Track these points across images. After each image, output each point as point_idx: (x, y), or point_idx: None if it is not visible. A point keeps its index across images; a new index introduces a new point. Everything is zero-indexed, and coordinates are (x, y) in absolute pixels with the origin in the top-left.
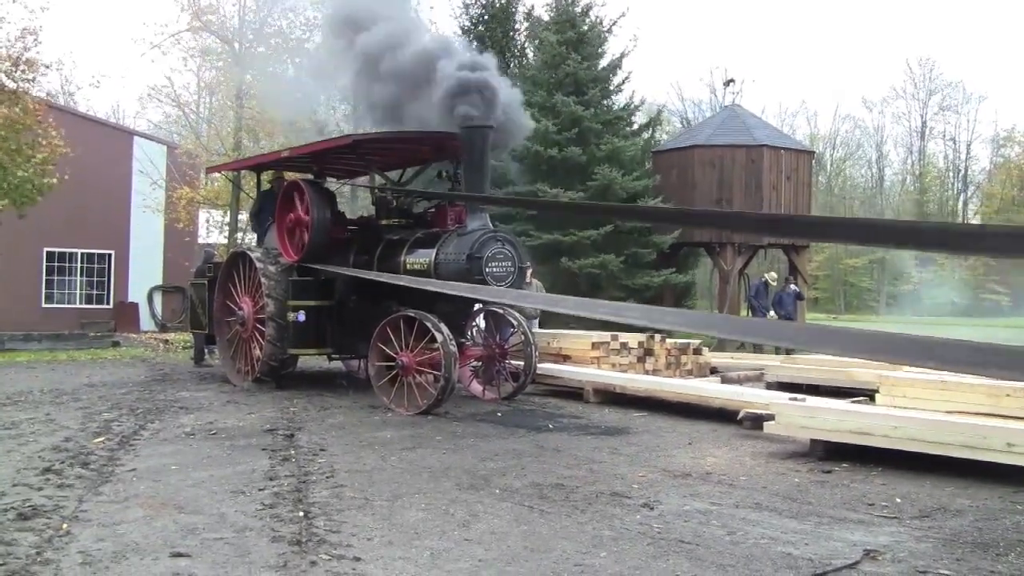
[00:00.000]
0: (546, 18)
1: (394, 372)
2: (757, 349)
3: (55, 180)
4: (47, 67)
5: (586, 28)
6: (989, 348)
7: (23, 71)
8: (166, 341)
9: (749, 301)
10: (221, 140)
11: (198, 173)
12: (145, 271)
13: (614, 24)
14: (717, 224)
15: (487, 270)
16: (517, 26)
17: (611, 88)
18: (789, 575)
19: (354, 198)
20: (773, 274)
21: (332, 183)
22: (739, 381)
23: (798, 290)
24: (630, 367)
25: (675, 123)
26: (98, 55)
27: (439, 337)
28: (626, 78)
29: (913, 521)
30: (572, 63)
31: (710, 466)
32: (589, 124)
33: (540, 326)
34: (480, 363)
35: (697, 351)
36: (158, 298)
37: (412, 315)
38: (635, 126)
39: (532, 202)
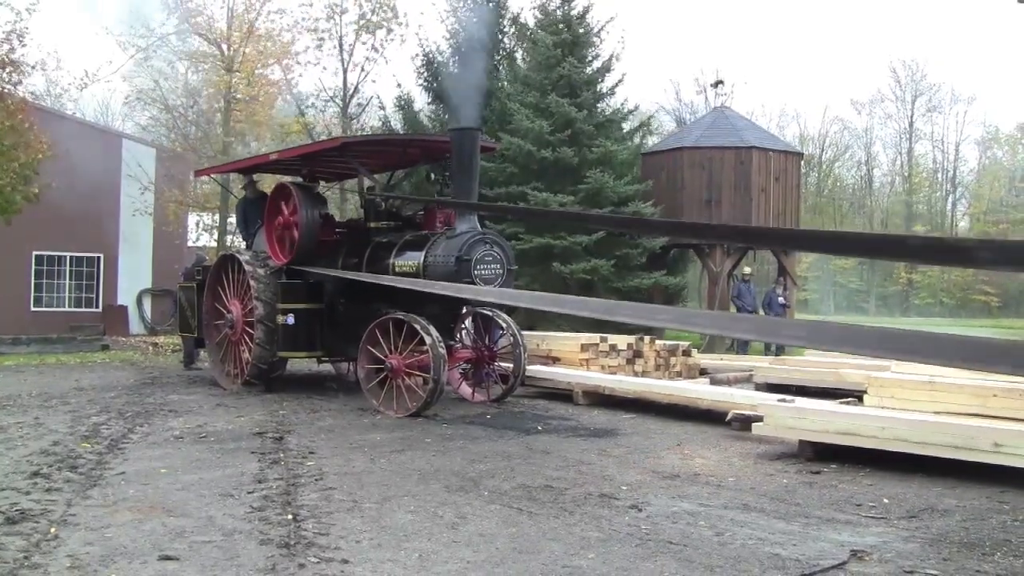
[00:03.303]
0: (532, 21)
1: (383, 375)
2: (740, 349)
3: (37, 189)
4: (32, 68)
5: (582, 31)
6: (979, 342)
7: (9, 73)
8: (155, 344)
9: (733, 302)
10: (210, 143)
11: (187, 176)
12: (134, 274)
13: (602, 29)
14: (703, 235)
15: (475, 272)
16: (505, 28)
17: (604, 91)
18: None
19: (343, 201)
20: (747, 269)
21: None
22: (728, 382)
23: (785, 303)
24: (619, 369)
25: (670, 124)
26: (84, 57)
27: (428, 339)
28: (619, 81)
29: (900, 521)
30: (567, 65)
31: (699, 467)
32: (582, 126)
33: (530, 328)
34: (469, 365)
35: (686, 352)
36: (147, 301)
37: (401, 317)
38: (626, 129)
39: (519, 210)
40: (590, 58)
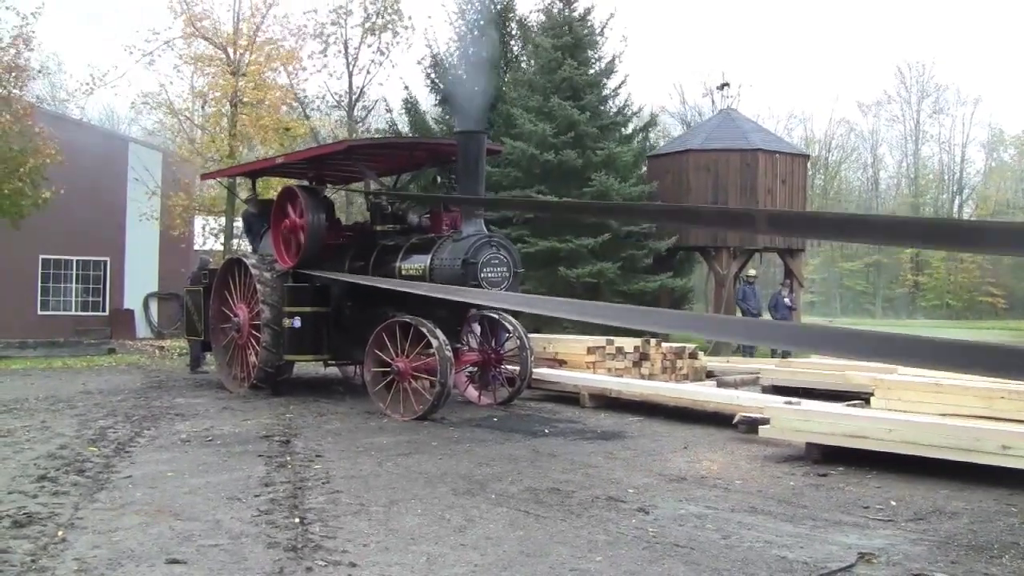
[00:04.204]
0: (538, 24)
1: (390, 378)
2: (747, 352)
3: (49, 194)
4: (39, 72)
5: (584, 33)
6: (980, 347)
7: (15, 77)
8: (162, 348)
9: (738, 305)
10: (216, 146)
11: (193, 180)
12: (141, 278)
13: (604, 26)
14: (714, 223)
15: (482, 275)
16: (512, 31)
17: (607, 93)
18: None
19: (349, 204)
20: (752, 271)
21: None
22: (735, 385)
23: (792, 305)
24: (626, 371)
25: (676, 128)
26: (91, 61)
27: (435, 342)
28: (622, 82)
29: (908, 524)
30: (568, 68)
31: (705, 470)
32: (585, 128)
33: (536, 331)
34: (476, 368)
35: (693, 355)
36: (154, 305)
37: (408, 321)
38: (630, 129)
39: (525, 203)
40: (593, 60)
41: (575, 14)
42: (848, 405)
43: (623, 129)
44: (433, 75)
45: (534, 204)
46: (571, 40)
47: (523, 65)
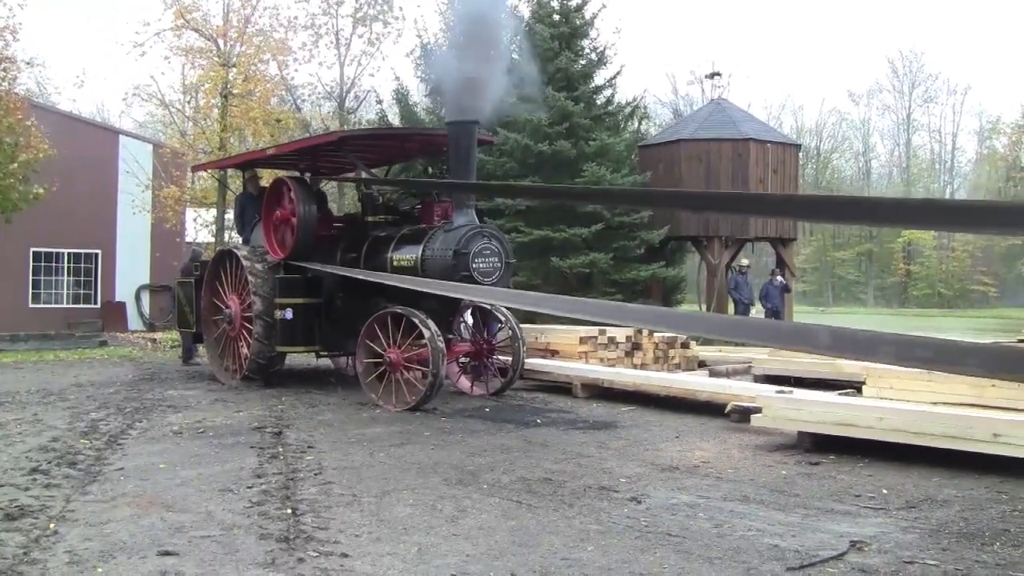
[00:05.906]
0: (527, 14)
1: (382, 369)
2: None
3: (42, 190)
4: (27, 64)
5: (579, 23)
6: (968, 347)
7: (4, 69)
8: (154, 340)
9: (730, 294)
10: (207, 138)
11: (184, 172)
12: (132, 270)
13: (595, 17)
14: (702, 207)
15: (473, 266)
16: (502, 21)
17: (602, 84)
18: (776, 567)
19: (341, 195)
20: (744, 261)
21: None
22: (727, 374)
23: (784, 283)
24: (618, 361)
25: (667, 116)
26: (81, 54)
27: (426, 333)
28: (617, 73)
29: (899, 512)
30: (565, 58)
31: (698, 459)
32: (579, 119)
33: (529, 322)
34: (468, 359)
35: (685, 345)
36: (146, 297)
37: (399, 312)
38: (621, 119)
39: (522, 188)
40: (587, 50)
41: (571, 3)
42: (840, 394)
43: (616, 119)
44: (423, 65)
45: (519, 189)
46: (567, 30)
47: (514, 56)
